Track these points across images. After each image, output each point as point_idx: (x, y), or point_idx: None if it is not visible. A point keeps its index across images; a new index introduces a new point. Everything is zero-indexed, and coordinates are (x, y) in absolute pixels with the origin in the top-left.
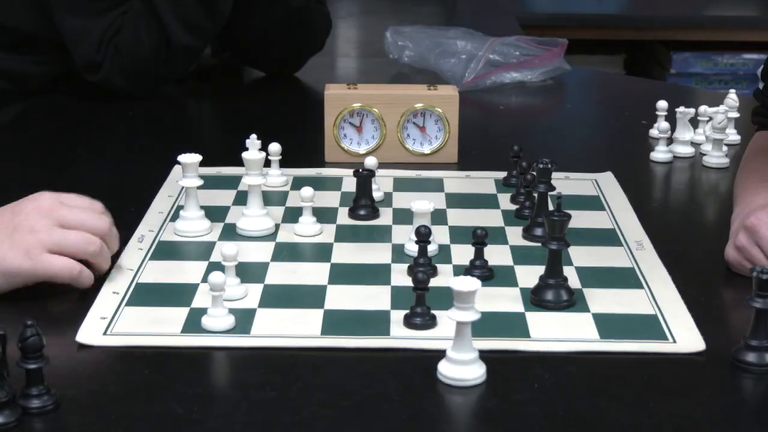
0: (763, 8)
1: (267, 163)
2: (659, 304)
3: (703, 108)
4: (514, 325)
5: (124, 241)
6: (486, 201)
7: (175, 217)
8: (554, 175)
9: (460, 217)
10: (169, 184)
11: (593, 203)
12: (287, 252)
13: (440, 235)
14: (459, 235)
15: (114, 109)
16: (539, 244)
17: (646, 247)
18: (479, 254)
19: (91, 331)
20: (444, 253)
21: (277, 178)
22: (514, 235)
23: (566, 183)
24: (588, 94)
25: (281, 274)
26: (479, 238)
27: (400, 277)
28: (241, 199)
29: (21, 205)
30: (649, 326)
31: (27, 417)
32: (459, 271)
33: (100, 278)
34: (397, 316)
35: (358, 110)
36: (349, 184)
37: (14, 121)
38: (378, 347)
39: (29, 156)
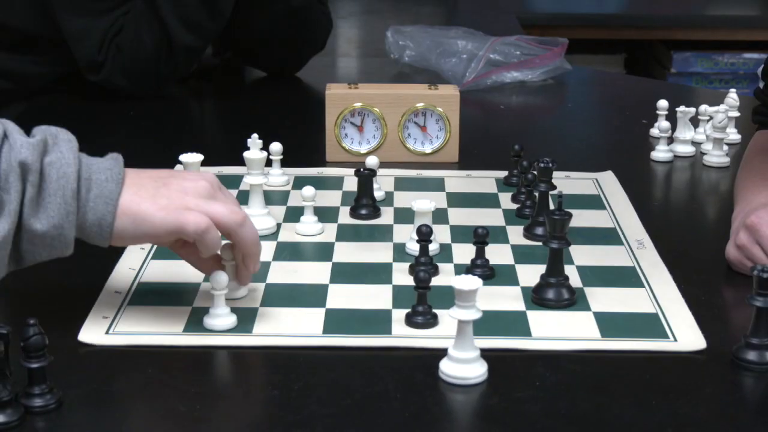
0: (763, 8)
1: (268, 163)
2: (660, 303)
3: (703, 107)
4: (516, 324)
5: None
6: (487, 200)
7: None
8: (555, 174)
9: (461, 216)
10: None
11: (594, 202)
12: (289, 251)
13: (441, 234)
14: (460, 234)
15: (115, 109)
16: (540, 243)
17: (646, 245)
18: (480, 253)
19: (93, 331)
20: (445, 252)
21: (279, 177)
22: (515, 234)
23: (567, 182)
24: (588, 94)
25: (283, 273)
26: (480, 237)
27: (402, 276)
28: (243, 198)
29: (183, 173)
30: (650, 325)
31: (29, 416)
32: (460, 270)
33: (102, 278)
34: (399, 314)
35: (359, 110)
36: (351, 184)
37: (16, 121)
38: (379, 346)
39: None
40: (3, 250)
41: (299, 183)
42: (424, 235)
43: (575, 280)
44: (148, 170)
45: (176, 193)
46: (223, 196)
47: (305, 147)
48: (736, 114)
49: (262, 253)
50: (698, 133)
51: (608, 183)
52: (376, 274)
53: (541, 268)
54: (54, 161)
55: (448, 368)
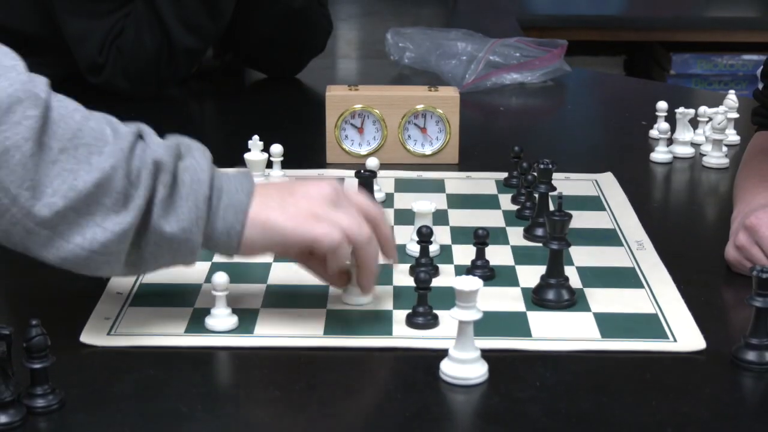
0: (762, 9)
1: (269, 164)
2: (660, 304)
3: (702, 109)
4: (516, 325)
5: None
6: (487, 201)
7: None
8: (555, 175)
9: (461, 217)
10: None
11: (594, 203)
12: None
13: (442, 236)
14: (460, 235)
15: (116, 111)
16: (540, 244)
17: (646, 246)
18: (481, 254)
19: (95, 332)
20: (445, 253)
21: (279, 179)
22: (515, 235)
23: (567, 183)
24: (588, 95)
25: (283, 274)
26: (481, 238)
27: (402, 277)
28: None
29: (306, 182)
30: (650, 325)
31: (31, 416)
32: (460, 270)
33: (104, 279)
34: (400, 315)
35: (359, 111)
36: (351, 185)
37: None
38: (380, 347)
39: None
40: (122, 244)
41: None
42: (425, 236)
43: (575, 281)
44: (273, 183)
45: (303, 200)
46: (348, 204)
47: (306, 148)
48: (736, 115)
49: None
50: (697, 135)
51: (608, 184)
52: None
53: (541, 269)
54: (189, 166)
55: (448, 369)
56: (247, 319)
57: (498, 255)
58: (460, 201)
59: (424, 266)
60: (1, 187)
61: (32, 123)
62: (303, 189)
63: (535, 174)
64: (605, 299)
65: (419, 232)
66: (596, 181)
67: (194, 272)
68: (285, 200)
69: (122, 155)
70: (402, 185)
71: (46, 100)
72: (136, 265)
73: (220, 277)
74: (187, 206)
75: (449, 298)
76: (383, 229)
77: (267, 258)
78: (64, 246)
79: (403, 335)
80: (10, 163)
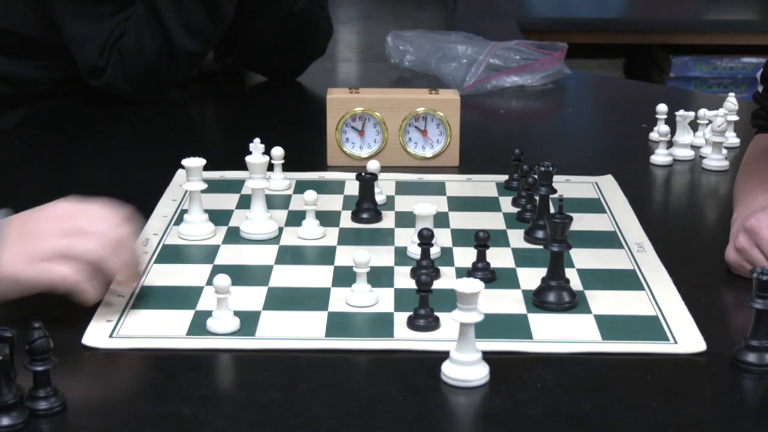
0: (761, 12)
1: (270, 167)
2: (660, 306)
3: (702, 111)
4: (517, 327)
5: None
6: (488, 204)
7: (179, 220)
8: (555, 178)
9: (462, 219)
10: (173, 188)
11: (594, 206)
12: (290, 255)
13: (442, 238)
14: (461, 237)
15: (117, 114)
16: (541, 247)
17: (646, 249)
18: (482, 257)
19: (97, 334)
20: (446, 256)
21: (280, 181)
22: (516, 237)
23: (567, 186)
24: (588, 98)
25: (285, 276)
26: (482, 240)
27: (403, 279)
28: (245, 202)
29: (36, 213)
30: (651, 327)
31: (34, 419)
32: (461, 273)
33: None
34: (401, 317)
35: (360, 114)
36: (352, 188)
37: (18, 126)
38: (382, 349)
39: (33, 161)
40: None
41: (301, 187)
42: (426, 239)
43: (576, 283)
44: (10, 221)
45: (40, 243)
46: (86, 223)
47: (306, 151)
48: (735, 118)
49: (265, 256)
50: (697, 137)
51: (608, 187)
52: (378, 277)
53: (542, 271)
54: None
55: (450, 371)
56: (248, 322)
57: (499, 257)
58: (461, 203)
59: (425, 268)
60: None
61: None
62: (36, 228)
63: (536, 176)
64: (606, 301)
65: (420, 234)
66: (596, 183)
67: (196, 274)
68: (19, 245)
69: None
70: (403, 188)
71: None
72: None
73: (222, 280)
74: None
75: (450, 300)
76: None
77: (268, 260)
78: None
79: (404, 337)
80: None
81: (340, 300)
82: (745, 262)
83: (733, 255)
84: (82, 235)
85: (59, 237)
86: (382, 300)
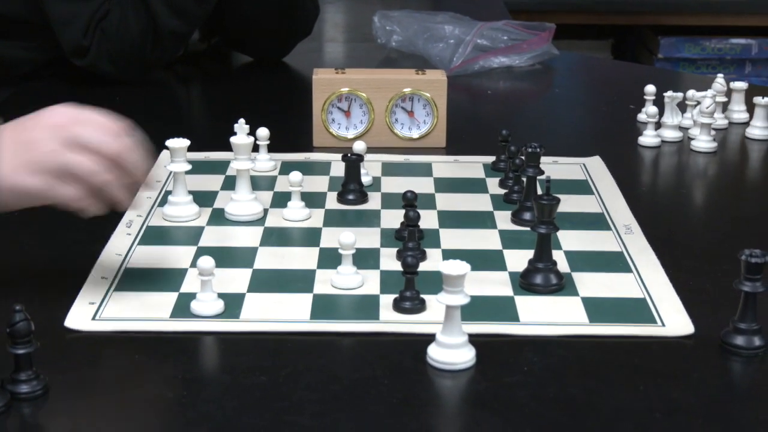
0: None
1: (255, 148)
2: (648, 288)
3: (690, 92)
4: (504, 309)
5: (111, 227)
6: (474, 185)
7: (163, 202)
8: (542, 159)
9: (448, 201)
10: (157, 169)
11: (581, 187)
12: (276, 236)
13: (429, 220)
14: (448, 219)
15: (102, 95)
16: (528, 228)
17: (634, 231)
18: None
19: (79, 317)
20: (433, 238)
21: (266, 162)
22: (503, 219)
23: (554, 167)
24: (576, 79)
25: (270, 258)
26: (409, 200)
27: (389, 261)
28: (230, 183)
29: (35, 119)
30: (638, 310)
31: (15, 402)
32: (448, 255)
33: (88, 264)
34: (387, 300)
35: (346, 95)
36: (338, 169)
37: (2, 106)
38: (367, 331)
39: None
40: None
41: (286, 168)
42: (412, 220)
43: (563, 266)
44: (5, 127)
45: (39, 153)
46: (86, 134)
47: (292, 132)
48: (724, 99)
49: (249, 238)
50: (686, 119)
51: (596, 168)
52: (364, 259)
53: (529, 253)
54: None
55: (436, 353)
56: (233, 304)
57: (486, 239)
58: (448, 185)
59: (411, 250)
60: None
61: None
62: (37, 137)
63: (523, 158)
64: (593, 284)
65: (406, 215)
66: (584, 165)
67: (180, 257)
68: (21, 154)
69: None
70: (389, 169)
71: None
72: None
73: (206, 262)
74: None
75: (437, 282)
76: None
77: (253, 242)
78: None
79: (390, 320)
80: None
81: (326, 282)
82: None
83: None
84: (83, 148)
85: (61, 147)
86: (368, 282)
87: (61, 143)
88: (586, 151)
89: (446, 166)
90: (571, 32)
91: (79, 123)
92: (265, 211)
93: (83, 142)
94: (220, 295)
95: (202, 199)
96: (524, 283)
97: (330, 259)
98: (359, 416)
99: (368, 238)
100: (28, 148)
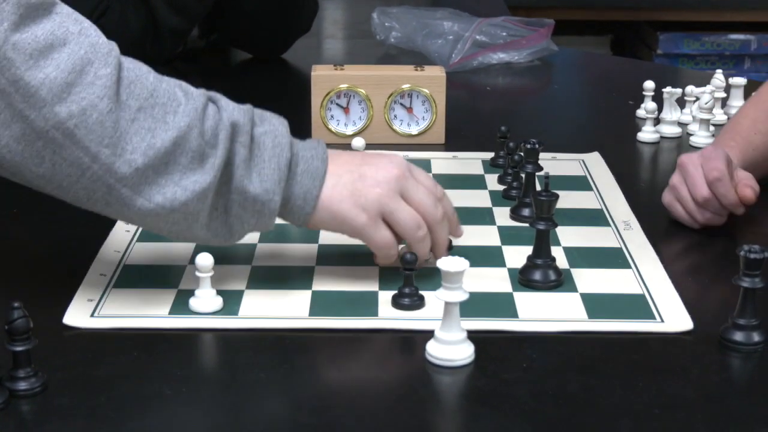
0: None
1: None
2: (647, 284)
3: (689, 88)
4: (503, 306)
5: (110, 224)
6: (473, 181)
7: None
8: (541, 155)
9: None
10: None
11: (580, 183)
12: (274, 233)
13: None
14: None
15: None
16: (527, 225)
17: (633, 226)
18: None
19: (78, 313)
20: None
21: (348, 151)
22: (502, 215)
23: (553, 163)
24: (575, 75)
25: (269, 255)
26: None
27: None
28: None
29: (375, 158)
30: (637, 306)
31: (14, 399)
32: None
33: (87, 261)
34: (385, 296)
35: (345, 91)
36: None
37: None
38: (366, 328)
39: None
40: (201, 203)
41: None
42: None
43: (562, 262)
44: (343, 153)
45: (373, 190)
46: (415, 185)
47: (291, 129)
48: (723, 95)
49: (248, 235)
50: (684, 114)
51: (595, 164)
52: (363, 256)
53: (528, 250)
54: (268, 131)
55: (434, 350)
56: (231, 301)
57: (484, 235)
58: (447, 181)
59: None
60: (82, 147)
61: (105, 81)
62: (373, 172)
63: (522, 154)
64: (592, 280)
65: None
66: (583, 161)
67: (178, 253)
68: (356, 188)
69: (196, 115)
70: None
71: (116, 58)
72: (221, 230)
73: (205, 259)
74: (270, 168)
75: (435, 278)
76: (448, 207)
77: (252, 239)
78: (146, 205)
79: (388, 316)
80: (88, 123)
81: (325, 279)
82: (675, 201)
83: (667, 194)
84: (409, 202)
85: (392, 193)
86: (367, 279)
87: (392, 190)
88: (585, 147)
89: (445, 162)
90: (570, 28)
91: (411, 178)
92: None
93: (411, 197)
94: (219, 292)
95: None
96: (523, 279)
97: (329, 255)
98: (358, 413)
99: None
100: (361, 181)
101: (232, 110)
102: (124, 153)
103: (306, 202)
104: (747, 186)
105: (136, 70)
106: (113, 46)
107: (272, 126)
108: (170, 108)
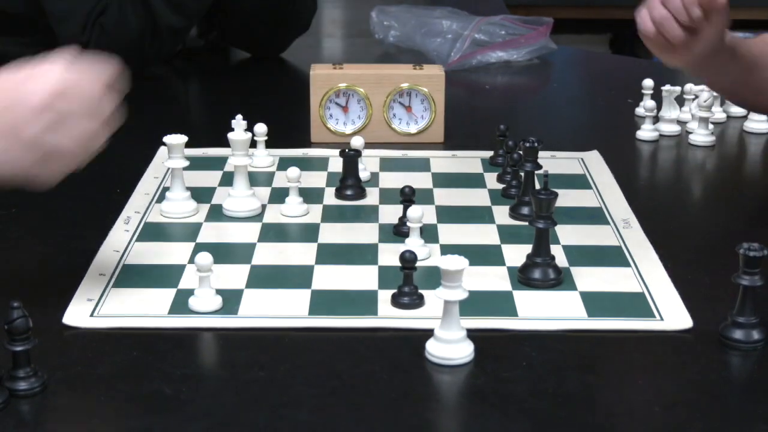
0: None
1: (253, 144)
2: (646, 282)
3: (688, 86)
4: (502, 304)
5: (109, 223)
6: (473, 180)
7: (161, 198)
8: (540, 153)
9: (446, 196)
10: (155, 165)
11: (580, 182)
12: (274, 232)
13: (427, 215)
14: (446, 214)
15: None
16: (526, 223)
17: (632, 225)
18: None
19: (78, 313)
20: (431, 233)
21: (264, 158)
22: (501, 214)
23: (552, 162)
24: (574, 73)
25: (268, 254)
26: (407, 195)
27: (388, 256)
28: (228, 179)
29: (21, 91)
30: (637, 304)
31: (14, 399)
32: (446, 250)
33: (87, 260)
34: (385, 295)
35: (344, 90)
36: (336, 164)
37: None
38: (366, 327)
39: None
40: None
41: (284, 164)
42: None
43: (561, 260)
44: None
45: (25, 134)
46: (70, 111)
47: (290, 128)
48: None
49: (248, 234)
50: (684, 113)
51: (594, 162)
52: (362, 254)
53: (528, 248)
54: None
55: (434, 349)
56: (231, 300)
57: (484, 234)
58: (446, 180)
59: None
60: None
61: None
62: (21, 117)
63: (521, 152)
64: (592, 278)
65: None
66: (582, 159)
67: (178, 253)
68: (8, 137)
69: None
70: (387, 164)
71: None
72: None
73: (204, 258)
74: None
75: (435, 277)
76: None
77: (251, 238)
78: None
79: (388, 315)
80: None
81: (325, 278)
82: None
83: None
84: (63, 126)
85: (42, 132)
86: (366, 277)
87: (44, 126)
88: (584, 146)
89: (444, 161)
90: (569, 27)
91: (65, 96)
92: (263, 206)
93: (65, 120)
94: (219, 291)
95: (200, 195)
96: (522, 277)
97: (329, 254)
98: (358, 411)
99: (366, 233)
100: (14, 132)
101: None
102: None
103: None
104: None
105: None
106: None
107: None
108: None
